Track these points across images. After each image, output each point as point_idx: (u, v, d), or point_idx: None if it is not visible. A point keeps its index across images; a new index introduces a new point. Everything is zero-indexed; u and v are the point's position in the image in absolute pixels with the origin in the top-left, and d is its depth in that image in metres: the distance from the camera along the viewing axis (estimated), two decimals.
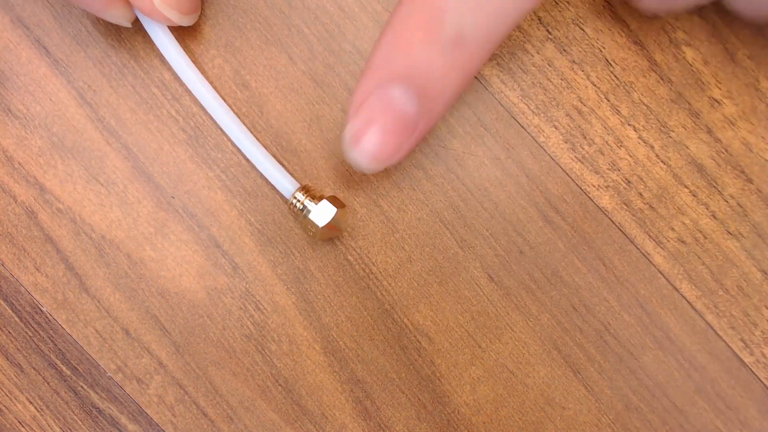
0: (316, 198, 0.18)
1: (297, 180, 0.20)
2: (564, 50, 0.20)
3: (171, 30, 0.18)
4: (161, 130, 0.20)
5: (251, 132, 0.20)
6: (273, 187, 0.20)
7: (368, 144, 0.15)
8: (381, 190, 0.20)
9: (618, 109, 0.20)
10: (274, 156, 0.20)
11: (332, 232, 0.19)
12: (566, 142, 0.20)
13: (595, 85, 0.20)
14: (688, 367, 0.20)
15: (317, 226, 0.18)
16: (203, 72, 0.20)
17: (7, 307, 0.20)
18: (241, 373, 0.20)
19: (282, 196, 0.20)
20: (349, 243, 0.20)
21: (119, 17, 0.17)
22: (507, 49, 0.20)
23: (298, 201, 0.18)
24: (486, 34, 0.14)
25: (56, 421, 0.20)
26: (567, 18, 0.20)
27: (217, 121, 0.19)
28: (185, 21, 0.18)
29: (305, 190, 0.19)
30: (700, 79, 0.20)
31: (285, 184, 0.19)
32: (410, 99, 0.15)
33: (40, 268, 0.20)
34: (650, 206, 0.20)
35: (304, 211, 0.18)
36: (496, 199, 0.20)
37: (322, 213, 0.18)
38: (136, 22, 0.18)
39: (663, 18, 0.19)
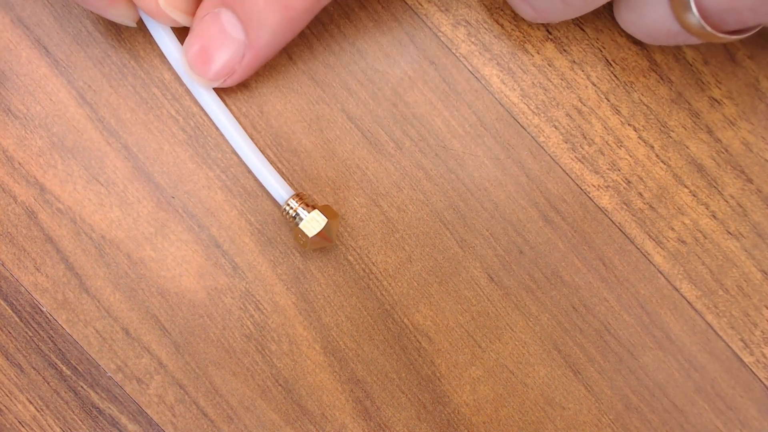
0: (310, 206, 0.18)
1: (295, 185, 0.20)
2: (564, 50, 0.20)
3: (173, 31, 0.18)
4: (161, 130, 0.20)
5: (251, 132, 0.20)
6: None
7: (198, 55, 0.17)
8: (381, 190, 0.20)
9: (618, 109, 0.20)
10: (274, 156, 0.20)
11: (322, 243, 0.19)
12: (566, 142, 0.20)
13: (595, 85, 0.20)
14: (688, 367, 0.20)
15: (307, 235, 0.18)
16: None
17: (7, 307, 0.20)
18: (241, 373, 0.20)
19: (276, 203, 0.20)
20: (349, 243, 0.20)
21: (123, 17, 0.17)
22: (507, 49, 0.20)
23: (291, 208, 0.18)
24: None
25: (56, 421, 0.20)
26: None
27: (217, 124, 0.19)
28: (190, 22, 0.18)
29: (299, 197, 0.18)
30: (700, 79, 0.20)
31: (279, 190, 0.19)
32: (235, 25, 0.17)
33: (40, 268, 0.20)
34: (650, 206, 0.20)
35: (296, 219, 0.18)
36: (496, 199, 0.20)
37: (312, 223, 0.18)
38: (141, 21, 0.18)
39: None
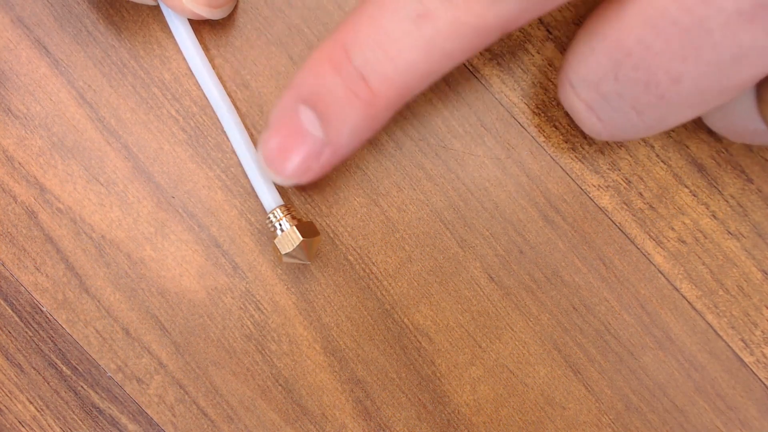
0: (295, 219, 0.18)
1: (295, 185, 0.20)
2: (564, 50, 0.20)
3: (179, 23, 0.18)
4: (161, 130, 0.20)
5: (252, 132, 0.20)
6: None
7: (276, 152, 0.16)
8: (381, 190, 0.20)
9: None
10: None
11: (297, 260, 0.18)
12: (566, 142, 0.20)
13: None
14: (688, 367, 0.20)
15: (279, 252, 0.18)
16: None
17: (7, 307, 0.20)
18: (242, 373, 0.20)
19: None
20: (349, 243, 0.20)
21: None
22: (507, 49, 0.20)
23: (275, 218, 0.18)
24: (388, 81, 0.14)
25: (56, 421, 0.20)
26: (567, 18, 0.20)
27: (222, 121, 0.19)
28: (216, 14, 0.18)
29: (286, 209, 0.18)
30: None
31: (268, 198, 0.19)
32: (314, 121, 0.15)
33: (40, 268, 0.20)
34: (650, 206, 0.20)
35: (276, 232, 0.18)
36: (497, 199, 0.20)
37: (287, 240, 0.18)
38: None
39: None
